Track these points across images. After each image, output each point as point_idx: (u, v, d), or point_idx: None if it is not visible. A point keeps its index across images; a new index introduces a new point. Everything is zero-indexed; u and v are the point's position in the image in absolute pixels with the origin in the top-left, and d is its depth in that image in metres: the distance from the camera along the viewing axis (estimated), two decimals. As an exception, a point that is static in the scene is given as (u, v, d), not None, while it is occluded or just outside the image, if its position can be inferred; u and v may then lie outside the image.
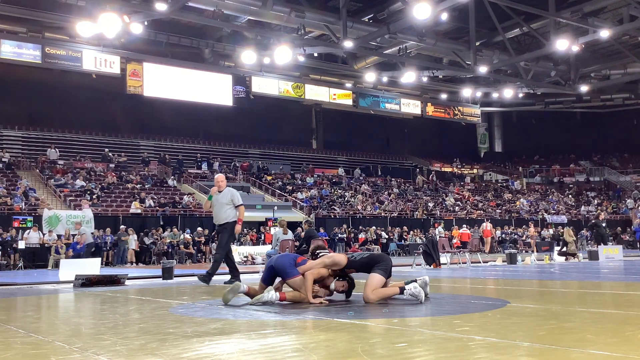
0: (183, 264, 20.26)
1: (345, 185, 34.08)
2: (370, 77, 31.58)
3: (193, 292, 7.63)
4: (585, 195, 39.59)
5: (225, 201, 8.95)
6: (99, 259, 14.84)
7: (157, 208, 24.53)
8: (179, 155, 32.16)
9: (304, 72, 32.47)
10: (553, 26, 25.00)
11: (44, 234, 19.71)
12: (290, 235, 13.81)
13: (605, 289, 7.31)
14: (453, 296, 6.50)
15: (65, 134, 31.06)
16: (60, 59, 25.86)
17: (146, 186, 26.82)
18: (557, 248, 18.43)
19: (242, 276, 9.91)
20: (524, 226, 30.23)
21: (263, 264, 16.36)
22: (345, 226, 26.32)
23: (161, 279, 10.69)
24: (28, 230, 19.61)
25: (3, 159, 26.25)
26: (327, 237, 23.14)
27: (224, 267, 9.27)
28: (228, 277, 9.29)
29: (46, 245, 19.33)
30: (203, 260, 21.53)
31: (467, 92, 36.20)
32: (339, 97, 34.51)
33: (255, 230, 25.24)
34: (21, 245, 18.78)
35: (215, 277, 9.22)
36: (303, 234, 15.26)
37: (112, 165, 28.68)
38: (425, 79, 33.00)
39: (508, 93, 34.63)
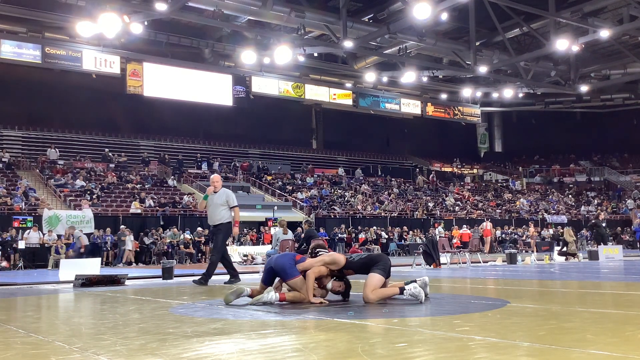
0: (183, 264, 20.26)
1: (345, 185, 34.08)
2: (370, 77, 31.58)
3: (193, 292, 7.63)
4: (585, 195, 39.58)
5: (220, 202, 8.92)
6: (99, 259, 14.84)
7: (157, 208, 24.53)
8: (179, 155, 32.16)
9: (304, 72, 32.47)
10: (553, 26, 25.00)
11: (44, 234, 19.71)
12: (290, 235, 13.81)
13: (605, 289, 7.31)
14: (453, 296, 6.50)
15: (65, 134, 31.06)
16: (60, 59, 25.86)
17: (146, 186, 26.82)
18: (557, 248, 18.43)
19: (242, 276, 9.91)
20: (524, 226, 30.22)
21: (263, 263, 16.36)
22: (343, 226, 26.28)
23: (161, 279, 10.69)
24: (28, 230, 19.61)
25: (3, 159, 26.25)
26: (327, 237, 23.14)
27: (222, 268, 9.26)
28: (222, 277, 9.29)
29: (46, 245, 19.34)
30: (203, 260, 21.53)
31: (467, 92, 36.20)
32: (339, 97, 34.52)
33: (255, 230, 25.24)
34: (21, 245, 18.79)
35: (214, 277, 9.22)
36: (303, 234, 15.25)
37: (112, 165, 28.68)
38: (425, 79, 33.00)
39: (508, 93, 34.64)
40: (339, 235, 25.24)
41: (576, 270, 11.80)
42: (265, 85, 31.44)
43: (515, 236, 28.98)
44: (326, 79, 34.23)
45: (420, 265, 14.65)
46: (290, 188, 30.88)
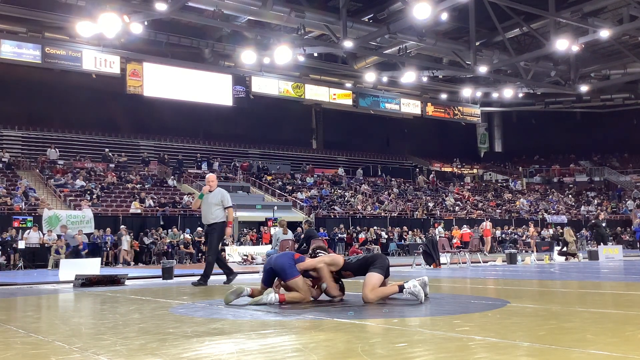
0: (183, 264, 20.27)
1: (345, 185, 34.08)
2: (370, 77, 31.59)
3: (193, 292, 7.63)
4: (585, 195, 39.59)
5: (215, 201, 8.91)
6: (99, 259, 14.84)
7: (157, 208, 24.53)
8: (179, 155, 32.16)
9: (304, 72, 32.47)
10: (553, 26, 25.00)
11: (44, 234, 19.71)
12: (290, 235, 13.80)
13: (605, 289, 7.31)
14: (453, 296, 6.50)
15: (65, 134, 31.07)
16: (60, 59, 25.87)
17: (146, 186, 26.82)
18: (557, 248, 18.42)
19: (241, 276, 9.92)
20: (524, 226, 30.22)
21: (263, 263, 16.36)
22: (342, 226, 26.25)
23: (161, 279, 10.69)
24: (28, 230, 19.61)
25: (3, 159, 26.26)
26: (327, 237, 23.14)
27: (217, 268, 9.25)
28: (222, 277, 9.28)
29: (46, 245, 19.33)
30: (203, 260, 21.54)
31: (467, 92, 36.21)
32: (339, 97, 34.52)
33: (255, 230, 25.24)
34: (21, 245, 18.79)
35: (213, 277, 9.22)
36: (303, 234, 15.25)
37: (112, 165, 28.68)
38: (425, 79, 33.01)
39: (508, 93, 34.64)
40: (339, 235, 25.24)
41: (576, 270, 11.80)
42: (265, 85, 31.44)
43: (515, 236, 28.98)
44: (326, 79, 34.24)
45: (420, 265, 14.65)
46: (290, 188, 30.88)
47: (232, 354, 3.08)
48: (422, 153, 44.05)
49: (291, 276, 5.57)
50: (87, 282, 9.16)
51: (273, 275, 5.77)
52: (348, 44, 23.51)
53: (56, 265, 16.75)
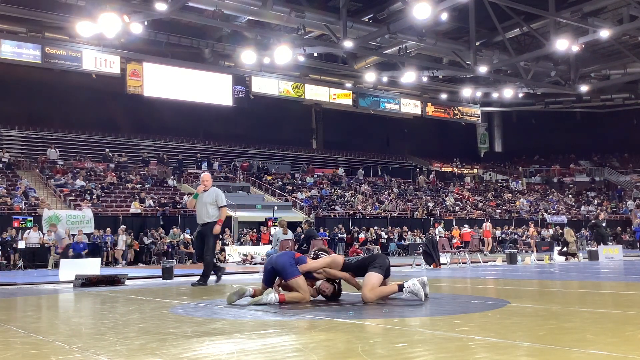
0: (183, 264, 20.27)
1: (345, 185, 34.08)
2: (370, 77, 31.58)
3: (193, 292, 7.63)
4: (585, 195, 39.59)
5: (210, 201, 8.92)
6: (99, 259, 14.83)
7: (157, 208, 24.53)
8: (179, 155, 32.17)
9: (304, 72, 32.47)
10: (553, 26, 25.00)
11: (43, 234, 19.70)
12: (290, 235, 13.80)
13: (605, 289, 7.31)
14: (453, 296, 6.50)
15: (65, 134, 31.07)
16: (60, 59, 25.86)
17: (146, 186, 26.83)
18: (557, 248, 18.42)
19: (241, 276, 9.91)
20: (524, 226, 30.22)
21: (262, 263, 16.36)
22: (340, 226, 26.24)
23: (161, 279, 10.69)
24: (28, 230, 19.61)
25: (3, 159, 26.26)
26: (327, 237, 23.13)
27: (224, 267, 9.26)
28: (224, 277, 9.28)
29: (46, 245, 19.33)
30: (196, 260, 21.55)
31: (467, 92, 36.20)
32: (339, 97, 34.52)
33: (255, 230, 25.24)
34: (21, 245, 18.79)
35: (212, 278, 9.23)
36: (303, 234, 15.24)
37: (112, 165, 28.68)
38: (425, 79, 33.00)
39: (508, 93, 34.63)
40: (339, 236, 25.24)
41: (576, 270, 11.80)
42: (265, 85, 31.44)
43: (515, 236, 28.98)
44: (326, 79, 34.23)
45: (420, 265, 14.66)
46: (290, 188, 30.88)
47: (232, 354, 3.08)
48: (422, 153, 44.05)
49: (292, 275, 5.57)
50: (87, 282, 9.16)
51: (274, 274, 5.76)
52: (348, 44, 23.51)
53: (56, 265, 16.74)
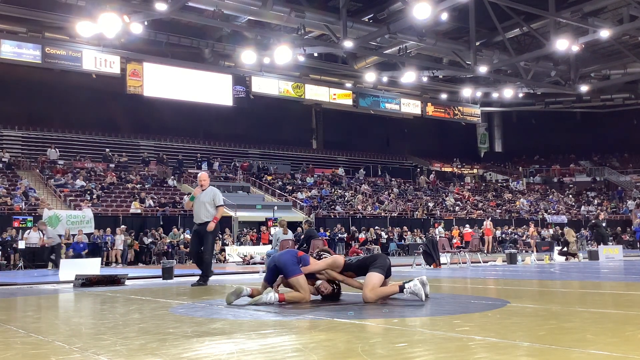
0: (183, 264, 20.26)
1: (345, 185, 34.08)
2: (370, 77, 31.58)
3: (193, 292, 7.63)
4: (585, 195, 39.59)
5: (207, 200, 8.92)
6: (99, 259, 14.83)
7: (157, 208, 24.54)
8: (179, 155, 32.17)
9: (304, 72, 32.47)
10: (553, 26, 25.00)
11: (44, 234, 19.68)
12: (290, 235, 13.80)
13: (605, 289, 7.31)
14: (453, 296, 6.50)
15: (65, 134, 31.07)
16: (60, 59, 25.86)
17: (146, 186, 26.83)
18: (557, 248, 18.42)
19: (241, 276, 9.90)
20: (524, 226, 30.22)
21: (262, 263, 16.35)
22: (339, 225, 26.24)
23: (161, 279, 10.69)
24: (28, 230, 19.58)
25: (3, 159, 26.26)
26: (327, 237, 23.14)
27: (223, 267, 9.25)
28: (221, 277, 9.27)
29: (46, 245, 19.30)
30: (189, 259, 21.52)
31: (467, 92, 36.20)
32: (339, 97, 34.51)
33: (255, 230, 25.25)
34: (21, 245, 18.77)
35: (212, 278, 9.22)
36: (303, 234, 15.24)
37: (112, 165, 28.69)
38: (425, 79, 33.00)
39: (508, 93, 34.63)
40: (339, 236, 25.24)
41: (576, 270, 11.80)
42: (265, 85, 31.44)
43: (515, 236, 28.98)
44: (326, 79, 34.23)
45: (420, 265, 14.66)
46: (290, 188, 30.88)
47: (232, 354, 3.08)
48: (422, 153, 44.05)
49: (293, 273, 5.59)
50: (87, 282, 9.16)
51: (276, 272, 5.78)
52: (348, 44, 23.51)
53: (56, 265, 16.74)
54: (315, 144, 41.88)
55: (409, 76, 29.92)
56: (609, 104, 39.18)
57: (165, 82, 28.68)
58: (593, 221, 24.08)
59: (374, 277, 5.48)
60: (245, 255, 20.54)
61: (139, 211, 23.70)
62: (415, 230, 28.10)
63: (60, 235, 20.12)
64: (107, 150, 30.04)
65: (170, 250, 21.03)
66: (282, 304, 5.49)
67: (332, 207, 29.66)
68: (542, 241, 23.14)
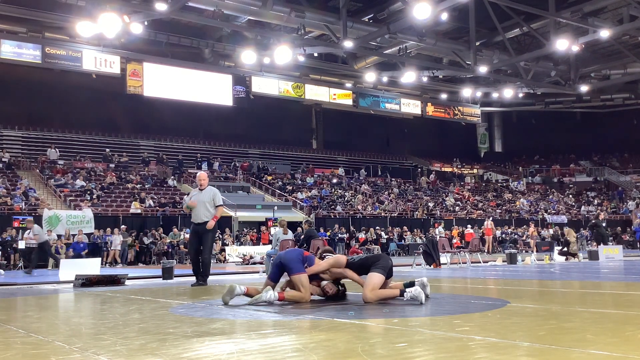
0: (183, 264, 20.26)
1: (345, 185, 34.08)
2: (370, 77, 31.57)
3: (193, 292, 7.63)
4: (585, 195, 39.59)
5: (207, 200, 8.92)
6: (99, 259, 14.83)
7: (157, 208, 24.53)
8: (179, 155, 32.17)
9: (304, 72, 32.46)
10: (553, 26, 25.00)
11: (29, 232, 19.66)
12: (290, 235, 13.78)
13: (605, 289, 7.30)
14: (453, 296, 6.50)
15: (65, 134, 31.07)
16: (60, 59, 25.85)
17: (146, 186, 26.82)
18: (557, 248, 18.42)
19: (241, 276, 9.90)
20: (524, 226, 30.22)
21: (262, 263, 16.35)
22: (337, 226, 26.23)
23: (161, 279, 10.69)
24: (28, 230, 19.55)
25: (3, 159, 26.26)
26: (327, 237, 23.14)
27: (223, 267, 9.25)
28: (221, 277, 9.27)
29: (34, 242, 19.26)
30: (188, 261, 21.50)
31: (467, 92, 36.20)
32: (339, 97, 34.51)
33: (255, 230, 25.25)
34: (21, 245, 18.77)
35: (212, 277, 9.22)
36: (303, 234, 15.23)
37: (112, 165, 28.68)
38: (425, 79, 33.00)
39: (508, 93, 34.63)
40: (339, 236, 25.25)
41: (576, 270, 11.80)
42: (265, 85, 31.43)
43: (515, 236, 28.98)
44: (326, 79, 34.23)
45: (420, 265, 14.66)
46: (290, 188, 30.88)
47: (232, 354, 3.08)
48: (422, 153, 44.05)
49: (297, 271, 5.62)
50: (87, 282, 9.16)
51: (281, 270, 5.81)
52: (348, 44, 23.50)
53: (56, 265, 16.74)
54: (315, 144, 41.88)
55: (409, 76, 29.92)
56: (609, 104, 39.17)
57: (165, 82, 28.67)
58: (593, 221, 24.07)
59: (374, 278, 5.49)
60: (245, 255, 20.54)
61: (139, 211, 23.70)
62: (415, 231, 28.10)
63: (60, 236, 20.15)
64: (107, 150, 30.04)
65: (170, 250, 21.03)
66: (282, 304, 5.49)
67: (332, 207, 29.67)
68: (542, 241, 23.14)
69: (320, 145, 41.70)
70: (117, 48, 26.80)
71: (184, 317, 4.85)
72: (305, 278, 5.61)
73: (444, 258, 15.21)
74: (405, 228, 28.01)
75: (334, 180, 34.19)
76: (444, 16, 23.82)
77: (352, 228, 27.02)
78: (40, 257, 18.89)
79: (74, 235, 20.27)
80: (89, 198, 23.63)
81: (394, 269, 6.07)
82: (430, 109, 38.01)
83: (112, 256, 20.13)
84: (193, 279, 9.31)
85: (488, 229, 26.75)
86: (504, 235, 29.03)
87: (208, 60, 29.52)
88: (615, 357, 2.77)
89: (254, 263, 18.73)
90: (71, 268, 11.68)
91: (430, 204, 32.79)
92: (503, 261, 16.03)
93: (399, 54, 27.66)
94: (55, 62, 25.91)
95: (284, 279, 6.00)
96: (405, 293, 5.36)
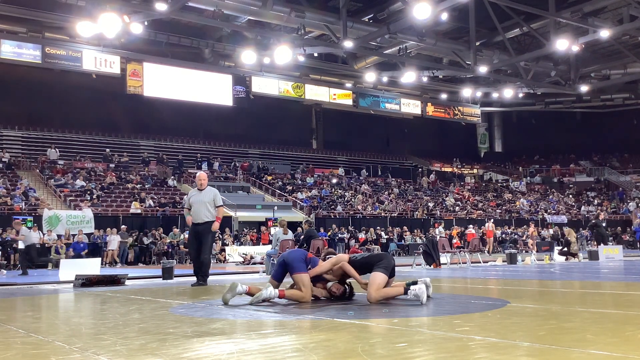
0: (183, 264, 20.26)
1: (345, 185, 34.08)
2: (370, 77, 31.57)
3: (193, 292, 7.63)
4: (585, 195, 39.59)
5: (208, 200, 8.92)
6: (99, 259, 14.82)
7: (157, 208, 24.53)
8: (179, 155, 32.17)
9: (304, 72, 32.46)
10: (553, 26, 24.99)
11: (44, 234, 19.69)
12: (290, 235, 13.78)
13: (605, 289, 7.30)
14: (453, 296, 6.50)
15: (65, 134, 31.07)
16: (60, 59, 25.85)
17: (146, 186, 26.82)
18: (557, 248, 18.42)
19: (241, 276, 9.90)
20: (524, 226, 30.21)
21: (262, 263, 16.35)
22: (334, 226, 26.21)
23: (161, 279, 10.69)
24: (28, 230, 19.57)
25: (3, 159, 26.26)
26: (327, 237, 23.14)
27: (222, 267, 9.25)
28: (221, 277, 9.27)
29: (46, 245, 19.32)
30: (189, 261, 21.51)
31: (467, 92, 36.19)
32: (339, 97, 34.51)
33: (255, 230, 25.25)
34: (21, 245, 18.73)
35: (212, 278, 9.22)
36: (303, 234, 15.23)
37: (112, 165, 28.69)
38: (425, 79, 32.99)
39: (508, 93, 34.63)
40: (339, 236, 25.24)
41: (576, 270, 11.80)
42: (265, 85, 31.43)
43: (515, 236, 28.97)
44: (326, 79, 34.22)
45: (420, 265, 14.66)
46: (290, 188, 30.88)
47: (232, 354, 3.08)
48: (422, 153, 44.05)
49: (299, 270, 5.65)
50: (87, 282, 9.16)
51: (285, 269, 5.83)
52: (348, 44, 23.50)
53: (56, 265, 16.74)
54: (315, 144, 41.88)
55: (409, 76, 29.92)
56: (609, 104, 39.17)
57: (165, 82, 28.67)
58: (593, 221, 24.07)
59: (378, 277, 5.50)
60: (246, 255, 20.54)
61: (139, 211, 23.70)
62: (415, 231, 28.09)
63: (59, 236, 20.14)
64: (107, 150, 30.04)
65: (170, 250, 21.03)
66: (282, 304, 5.49)
67: (332, 207, 29.66)
68: (542, 241, 23.14)
69: (320, 145, 41.70)
70: (117, 48, 26.80)
71: (184, 317, 4.85)
72: (306, 278, 5.63)
73: (444, 258, 15.21)
74: (405, 228, 28.01)
75: (334, 180, 34.22)
76: (444, 16, 23.82)
77: (350, 228, 26.99)
78: (42, 256, 18.92)
79: (74, 235, 20.27)
80: (89, 198, 23.62)
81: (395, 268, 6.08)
82: (430, 109, 38.00)
83: (110, 256, 20.12)
84: (193, 279, 9.31)
85: (489, 231, 26.73)
86: (504, 236, 29.03)
87: (208, 60, 29.52)
88: (615, 357, 2.77)
89: (255, 263, 18.73)
90: (71, 268, 11.68)
91: (430, 204, 32.78)
92: (503, 261, 16.03)
93: (399, 54, 27.66)
94: (55, 62, 25.90)
95: (287, 280, 6.01)
96: (409, 291, 5.38)
